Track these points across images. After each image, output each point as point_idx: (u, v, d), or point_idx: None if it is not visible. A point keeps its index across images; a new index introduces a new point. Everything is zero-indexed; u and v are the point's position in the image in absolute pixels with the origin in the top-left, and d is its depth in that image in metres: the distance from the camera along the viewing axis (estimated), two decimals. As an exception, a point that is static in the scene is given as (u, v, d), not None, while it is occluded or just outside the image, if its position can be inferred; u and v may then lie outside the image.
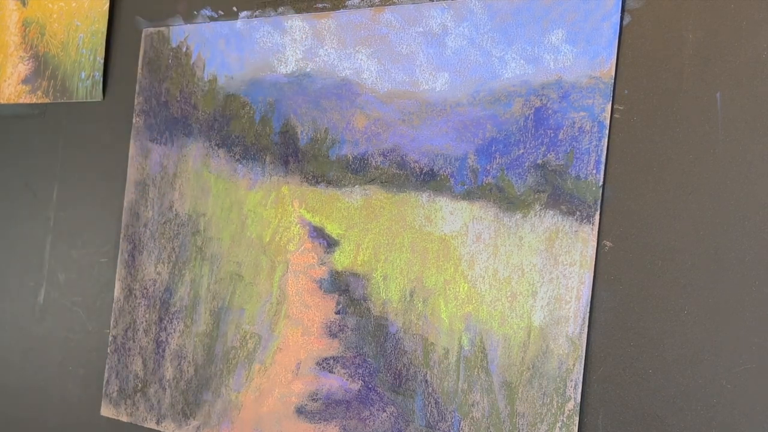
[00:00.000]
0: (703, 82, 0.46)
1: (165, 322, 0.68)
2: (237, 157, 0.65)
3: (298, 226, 0.61)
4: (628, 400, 0.47)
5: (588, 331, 0.49)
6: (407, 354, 0.55)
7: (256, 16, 0.65)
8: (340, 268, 0.59)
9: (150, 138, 0.70)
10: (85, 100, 0.77)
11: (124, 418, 0.69)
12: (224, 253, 0.65)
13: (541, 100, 0.51)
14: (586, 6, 0.50)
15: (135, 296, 0.70)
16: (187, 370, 0.66)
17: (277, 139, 0.63)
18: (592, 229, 0.49)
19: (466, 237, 0.53)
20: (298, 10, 0.63)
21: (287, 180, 0.62)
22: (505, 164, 0.52)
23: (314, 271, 0.60)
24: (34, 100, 0.80)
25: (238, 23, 0.66)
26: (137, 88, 0.72)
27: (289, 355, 0.60)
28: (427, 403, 0.54)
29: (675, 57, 0.47)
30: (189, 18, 0.69)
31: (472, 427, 0.52)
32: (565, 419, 0.49)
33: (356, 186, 0.59)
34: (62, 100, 0.78)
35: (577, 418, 0.48)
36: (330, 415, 0.58)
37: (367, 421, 0.56)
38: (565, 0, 0.51)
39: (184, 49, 0.68)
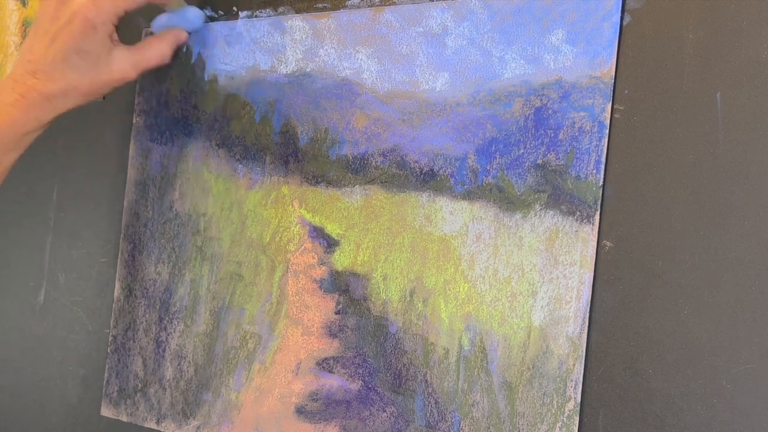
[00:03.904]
0: (703, 82, 0.46)
1: (165, 322, 0.68)
2: (237, 157, 0.65)
3: (298, 226, 0.61)
4: (628, 400, 0.47)
5: (588, 331, 0.49)
6: (407, 354, 0.55)
7: (256, 17, 0.65)
8: (340, 268, 0.59)
9: (150, 138, 0.70)
10: (85, 100, 0.76)
11: (124, 418, 0.69)
12: (224, 253, 0.65)
13: (541, 100, 0.51)
14: (586, 6, 0.50)
15: (135, 296, 0.70)
16: (187, 370, 0.66)
17: (277, 139, 0.63)
18: (592, 229, 0.49)
19: (466, 237, 0.53)
20: (298, 10, 0.63)
21: (287, 180, 0.62)
22: (505, 164, 0.52)
23: (314, 271, 0.60)
24: (34, 100, 0.80)
25: (238, 23, 0.66)
26: (137, 88, 0.72)
27: (289, 355, 0.60)
28: (427, 403, 0.54)
29: (675, 57, 0.47)
30: (189, 18, 0.69)
31: (472, 427, 0.52)
32: (565, 419, 0.49)
33: (356, 186, 0.59)
34: (62, 100, 0.78)
35: (577, 418, 0.48)
36: (330, 415, 0.58)
37: (367, 421, 0.56)
38: (565, 0, 0.51)
39: (184, 49, 0.68)
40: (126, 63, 0.61)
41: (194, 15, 0.66)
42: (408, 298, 0.55)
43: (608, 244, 0.49)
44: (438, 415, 0.53)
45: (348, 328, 0.58)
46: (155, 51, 0.63)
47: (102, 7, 0.58)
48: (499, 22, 0.53)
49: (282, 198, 0.62)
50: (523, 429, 0.50)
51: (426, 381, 0.54)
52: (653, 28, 0.48)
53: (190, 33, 0.67)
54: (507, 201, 0.52)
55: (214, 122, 0.66)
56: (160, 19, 0.67)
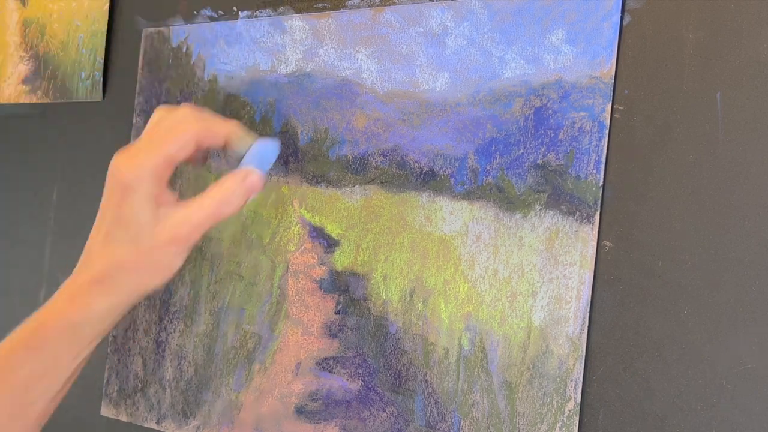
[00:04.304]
0: (703, 82, 0.46)
1: (165, 322, 0.68)
2: (237, 157, 0.65)
3: (298, 226, 0.61)
4: (628, 400, 0.47)
5: (588, 331, 0.49)
6: (407, 354, 0.55)
7: (256, 16, 0.65)
8: (340, 268, 0.59)
9: (150, 138, 0.70)
10: (85, 100, 0.77)
11: (124, 418, 0.69)
12: (224, 253, 0.65)
13: (541, 100, 0.51)
14: (586, 6, 0.50)
15: (135, 296, 0.70)
16: (187, 370, 0.66)
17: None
18: (592, 229, 0.49)
19: (466, 237, 0.53)
20: (298, 10, 0.63)
21: (287, 180, 0.62)
22: (505, 164, 0.52)
23: (314, 271, 0.60)
24: (34, 100, 0.80)
25: (238, 23, 0.66)
26: (137, 88, 0.72)
27: (289, 355, 0.60)
28: (427, 403, 0.54)
29: (675, 57, 0.47)
30: (189, 18, 0.69)
31: (472, 427, 0.52)
32: (565, 419, 0.49)
33: (356, 186, 0.59)
34: (62, 100, 0.78)
35: (577, 418, 0.48)
36: (330, 415, 0.58)
37: (367, 421, 0.56)
38: (565, 0, 0.51)
39: (184, 49, 0.68)
40: (174, 222, 0.49)
41: (270, 149, 0.52)
42: (408, 298, 0.55)
43: (608, 244, 0.49)
44: (438, 415, 0.53)
45: (348, 328, 0.58)
46: (210, 203, 0.50)
47: (136, 166, 0.49)
48: (499, 22, 0.53)
49: (282, 198, 0.62)
50: (523, 429, 0.50)
51: (426, 381, 0.54)
52: (653, 28, 0.48)
53: (266, 172, 0.53)
54: (507, 201, 0.52)
55: (214, 122, 0.66)
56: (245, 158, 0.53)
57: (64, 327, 0.50)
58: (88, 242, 0.51)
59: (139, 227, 0.49)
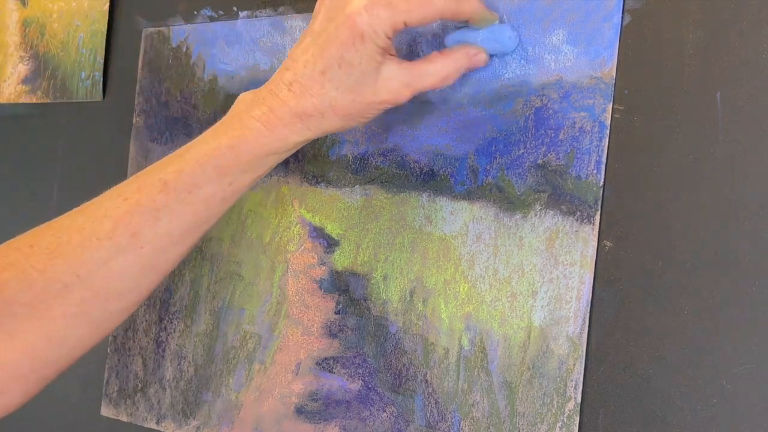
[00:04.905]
0: (703, 82, 0.46)
1: (165, 322, 0.68)
2: (237, 157, 0.65)
3: (298, 226, 0.61)
4: (628, 400, 0.47)
5: (588, 331, 0.49)
6: (407, 354, 0.55)
7: (256, 16, 0.65)
8: (340, 268, 0.59)
9: (150, 138, 0.70)
10: (85, 100, 0.77)
11: (124, 418, 0.69)
12: (224, 253, 0.65)
13: (542, 100, 0.51)
14: (586, 6, 0.50)
15: (135, 296, 0.70)
16: (187, 370, 0.66)
17: (277, 139, 0.63)
18: (592, 229, 0.49)
19: (466, 237, 0.53)
20: (298, 10, 0.63)
21: (287, 180, 0.62)
22: (506, 164, 0.52)
23: (314, 271, 0.60)
24: (34, 100, 0.80)
25: (238, 23, 0.66)
26: (137, 88, 0.72)
27: (289, 355, 0.60)
28: (427, 403, 0.54)
29: (675, 57, 0.47)
30: (189, 18, 0.69)
31: (472, 427, 0.52)
32: (565, 419, 0.49)
33: (356, 186, 0.59)
34: (62, 100, 0.78)
35: (577, 418, 0.48)
36: (330, 415, 0.58)
37: (367, 421, 0.56)
38: (565, 0, 0.51)
39: (184, 49, 0.68)
40: (397, 82, 0.49)
41: (507, 36, 0.52)
42: (408, 298, 0.55)
43: (608, 244, 0.49)
44: (438, 415, 0.53)
45: (348, 328, 0.58)
46: (436, 70, 0.50)
47: (375, 16, 0.47)
48: (499, 22, 0.53)
49: (282, 198, 0.62)
50: (523, 429, 0.50)
51: (426, 381, 0.54)
52: (653, 28, 0.48)
53: (492, 56, 0.53)
54: (507, 201, 0.52)
55: (214, 122, 0.66)
56: (458, 34, 0.53)
57: (257, 154, 0.50)
58: (295, 66, 0.49)
59: (362, 77, 0.49)
